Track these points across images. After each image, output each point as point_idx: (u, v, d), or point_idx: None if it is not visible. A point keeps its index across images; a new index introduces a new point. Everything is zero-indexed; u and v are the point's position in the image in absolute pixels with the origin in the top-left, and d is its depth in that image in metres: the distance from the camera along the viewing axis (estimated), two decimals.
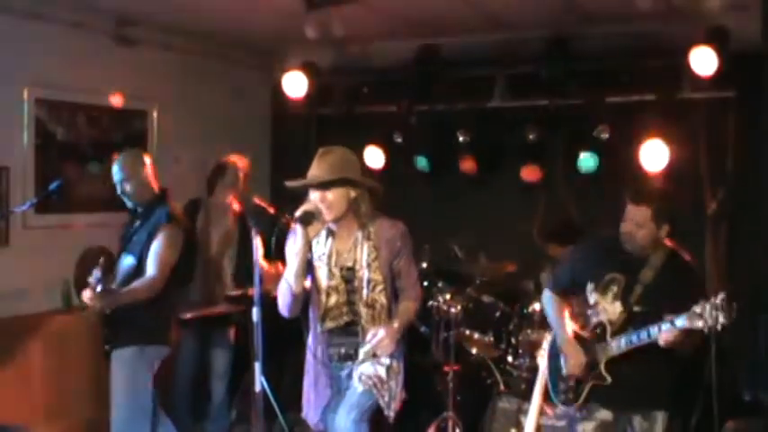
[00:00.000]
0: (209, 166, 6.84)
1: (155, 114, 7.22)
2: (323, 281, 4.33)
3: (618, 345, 4.28)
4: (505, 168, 7.55)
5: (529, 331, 6.09)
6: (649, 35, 6.39)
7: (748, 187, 6.35)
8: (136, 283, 5.03)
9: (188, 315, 6.18)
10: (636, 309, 4.34)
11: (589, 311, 4.54)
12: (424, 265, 6.71)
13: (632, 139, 6.51)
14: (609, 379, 4.32)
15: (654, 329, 4.08)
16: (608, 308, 4.42)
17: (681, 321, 3.94)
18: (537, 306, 6.16)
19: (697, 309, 3.88)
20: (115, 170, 5.25)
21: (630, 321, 4.32)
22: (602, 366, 4.35)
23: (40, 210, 6.00)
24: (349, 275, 4.30)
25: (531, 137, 7.06)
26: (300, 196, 4.29)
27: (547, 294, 4.82)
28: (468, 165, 7.42)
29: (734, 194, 6.41)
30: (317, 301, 4.37)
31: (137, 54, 6.91)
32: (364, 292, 4.27)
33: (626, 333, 4.26)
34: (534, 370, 4.87)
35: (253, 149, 8.25)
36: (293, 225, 4.16)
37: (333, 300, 4.31)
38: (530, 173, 7.26)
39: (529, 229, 7.32)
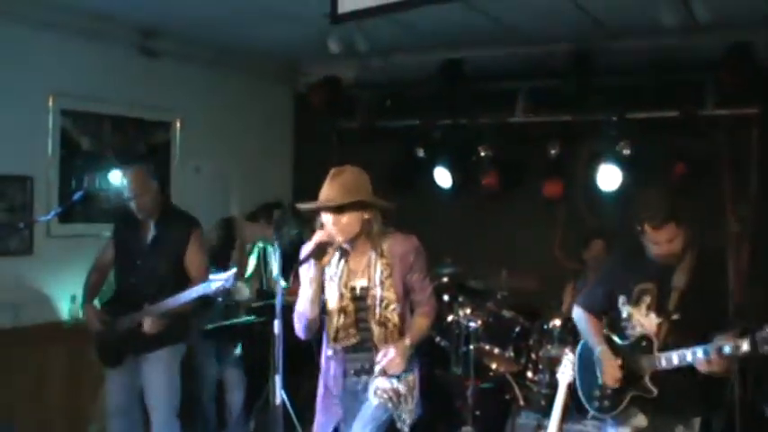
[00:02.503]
0: (230, 176, 6.87)
1: (178, 125, 7.27)
2: (332, 302, 4.29)
3: (668, 360, 4.16)
4: (527, 183, 7.55)
5: (549, 347, 6.07)
6: (672, 50, 6.37)
7: None
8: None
9: (209, 327, 6.23)
10: (675, 317, 4.26)
11: (624, 324, 4.48)
12: (445, 279, 6.71)
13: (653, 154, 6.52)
14: (655, 391, 4.24)
15: (711, 349, 3.96)
16: (643, 320, 4.35)
17: (745, 346, 3.86)
18: (557, 321, 6.15)
19: (764, 334, 3.80)
20: (124, 187, 5.30)
21: (672, 332, 4.25)
22: (646, 378, 4.30)
23: (64, 219, 6.03)
24: (362, 293, 4.25)
25: (552, 152, 7.07)
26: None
27: (578, 311, 4.74)
28: (489, 179, 7.42)
29: (757, 213, 6.36)
30: (327, 321, 4.34)
31: (160, 65, 6.97)
32: (377, 310, 4.21)
33: (672, 344, 4.19)
34: (554, 386, 4.84)
35: (274, 162, 8.34)
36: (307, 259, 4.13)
37: (341, 321, 4.25)
38: (551, 188, 7.25)
39: (550, 244, 7.32)
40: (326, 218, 4.09)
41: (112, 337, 5.26)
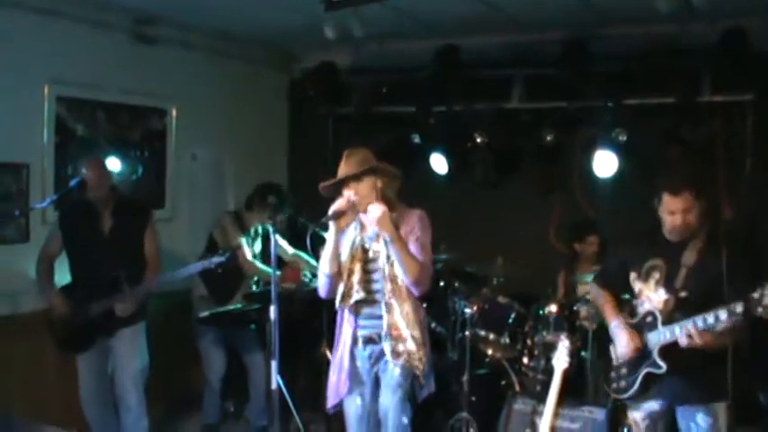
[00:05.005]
0: (226, 163, 6.85)
1: (173, 112, 7.26)
2: (344, 261, 4.69)
3: (672, 332, 4.20)
4: (523, 169, 7.56)
5: (544, 333, 6.09)
6: (668, 37, 6.37)
7: (766, 191, 6.33)
8: (151, 277, 5.68)
9: (206, 313, 6.25)
10: (682, 294, 4.30)
11: (635, 302, 4.54)
12: (440, 265, 6.72)
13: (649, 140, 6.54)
14: (664, 366, 4.26)
15: (710, 317, 4.00)
16: (652, 296, 4.40)
17: (739, 308, 3.89)
18: (552, 308, 6.17)
19: (755, 295, 3.82)
20: (84, 178, 5.53)
21: (678, 307, 4.28)
22: (655, 353, 4.32)
23: (60, 206, 6.03)
24: (375, 255, 4.64)
25: (548, 138, 7.07)
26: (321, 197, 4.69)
27: (593, 287, 4.90)
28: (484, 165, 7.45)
29: (751, 198, 6.37)
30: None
31: (156, 52, 6.95)
32: (386, 268, 4.57)
33: (680, 320, 4.18)
34: (550, 372, 4.86)
35: (270, 148, 8.34)
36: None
37: (351, 279, 4.66)
38: (547, 174, 7.26)
39: (545, 231, 7.34)
40: (347, 192, 4.54)
41: (83, 322, 5.52)
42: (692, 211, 4.29)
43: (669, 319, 4.28)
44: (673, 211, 4.31)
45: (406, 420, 4.64)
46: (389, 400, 4.62)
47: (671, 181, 4.34)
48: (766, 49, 5.99)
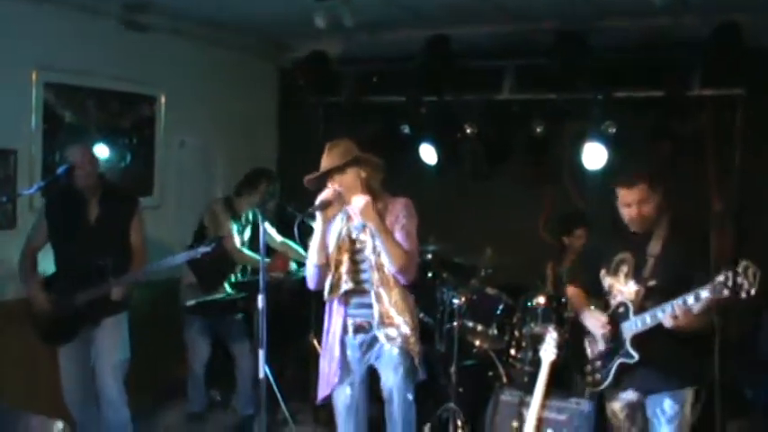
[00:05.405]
0: (215, 151, 6.82)
1: (162, 100, 7.23)
2: (332, 252, 4.69)
3: (643, 320, 4.27)
4: (512, 161, 7.55)
5: (532, 324, 6.09)
6: (660, 30, 6.36)
7: (756, 185, 6.34)
8: (137, 267, 5.60)
9: (192, 302, 6.24)
10: (651, 283, 4.37)
11: (608, 297, 4.60)
12: (429, 256, 6.72)
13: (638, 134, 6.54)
14: (636, 356, 4.33)
15: (678, 302, 4.05)
16: (622, 289, 4.47)
17: (705, 293, 3.93)
18: (541, 299, 6.17)
19: (720, 278, 3.87)
20: (76, 166, 5.44)
21: (648, 297, 4.34)
22: (627, 343, 4.36)
23: (47, 194, 6.01)
24: (362, 245, 4.65)
25: (538, 130, 7.06)
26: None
27: (568, 287, 4.98)
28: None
29: (741, 193, 6.38)
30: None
31: (146, 39, 6.91)
32: (372, 258, 4.59)
33: (650, 309, 4.25)
34: (537, 363, 4.88)
35: (259, 136, 8.32)
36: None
37: (338, 270, 4.66)
38: (537, 165, 7.26)
39: (534, 223, 7.33)
40: (332, 185, 4.54)
41: (68, 312, 5.45)
42: (648, 202, 4.36)
43: (640, 308, 4.36)
44: (628, 204, 4.39)
45: (410, 397, 4.71)
46: (392, 379, 4.67)
47: (624, 174, 4.43)
48: (758, 45, 5.98)
